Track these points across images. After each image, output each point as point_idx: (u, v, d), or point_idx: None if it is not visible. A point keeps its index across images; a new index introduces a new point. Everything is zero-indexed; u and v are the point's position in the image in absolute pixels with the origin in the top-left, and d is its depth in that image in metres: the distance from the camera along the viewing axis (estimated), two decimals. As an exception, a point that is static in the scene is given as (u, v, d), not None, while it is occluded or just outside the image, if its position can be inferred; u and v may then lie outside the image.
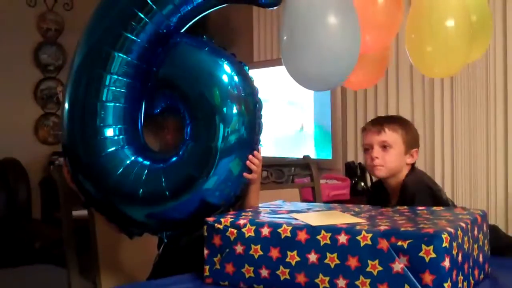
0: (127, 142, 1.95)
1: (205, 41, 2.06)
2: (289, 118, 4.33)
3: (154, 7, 1.91)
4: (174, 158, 1.95)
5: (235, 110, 1.91)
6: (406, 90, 3.73)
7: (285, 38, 2.36)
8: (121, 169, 1.91)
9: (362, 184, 3.78)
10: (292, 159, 4.05)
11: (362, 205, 2.01)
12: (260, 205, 2.09)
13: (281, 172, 3.06)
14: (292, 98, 4.22)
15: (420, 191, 2.16)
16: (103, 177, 1.92)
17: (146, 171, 1.92)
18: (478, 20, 2.54)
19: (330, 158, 3.99)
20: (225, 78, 1.94)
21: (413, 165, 2.30)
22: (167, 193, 1.90)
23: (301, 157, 3.45)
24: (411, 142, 2.28)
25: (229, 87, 1.93)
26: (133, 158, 1.94)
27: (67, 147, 1.99)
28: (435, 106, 3.56)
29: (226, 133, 1.89)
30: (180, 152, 1.94)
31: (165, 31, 1.96)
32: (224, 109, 1.90)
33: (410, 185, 2.19)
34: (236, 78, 1.95)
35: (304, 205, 2.04)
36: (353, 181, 3.79)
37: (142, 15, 1.90)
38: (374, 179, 3.79)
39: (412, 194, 2.13)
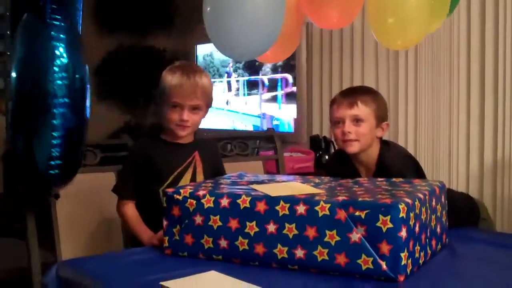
0: None
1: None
2: (254, 91, 4.30)
3: None
4: None
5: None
6: (371, 62, 3.74)
7: (208, 9, 2.34)
8: None
9: (326, 157, 3.79)
10: (256, 132, 4.05)
11: (323, 177, 2.01)
12: (221, 176, 2.09)
13: (245, 145, 3.06)
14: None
15: (408, 167, 2.12)
16: None
17: None
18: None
19: (295, 131, 3.99)
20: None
21: (381, 138, 2.26)
22: None
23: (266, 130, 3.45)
24: (382, 115, 2.23)
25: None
26: None
27: None
28: (400, 77, 3.57)
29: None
30: None
31: None
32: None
33: (395, 162, 2.14)
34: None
35: (264, 177, 2.04)
36: (318, 154, 3.80)
37: None
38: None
39: (399, 171, 2.05)
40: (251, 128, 3.77)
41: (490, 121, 3.16)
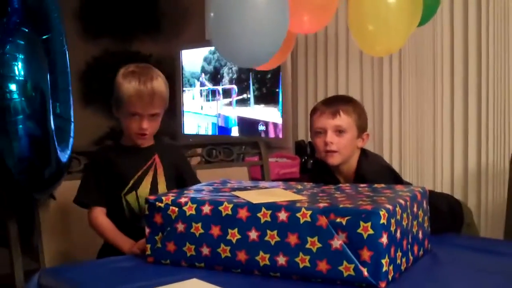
0: None
1: None
2: (238, 96, 4.32)
3: None
4: None
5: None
6: (355, 67, 3.75)
7: (212, 14, 2.34)
8: None
9: (312, 162, 3.79)
10: (241, 138, 4.06)
11: (306, 183, 2.01)
12: (203, 183, 2.08)
13: (230, 150, 3.06)
14: (241, 76, 4.26)
15: (383, 177, 2.10)
16: None
17: None
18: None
19: (281, 137, 3.99)
20: None
21: (361, 148, 2.25)
22: None
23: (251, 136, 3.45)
24: (363, 125, 2.22)
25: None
26: None
27: None
28: (384, 82, 3.58)
29: None
30: None
31: None
32: None
33: (370, 172, 2.14)
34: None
35: (248, 183, 2.04)
36: (303, 160, 3.80)
37: None
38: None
39: (374, 181, 2.02)
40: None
41: (473, 127, 3.17)
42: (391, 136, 3.56)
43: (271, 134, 3.92)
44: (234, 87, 3.88)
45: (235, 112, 3.92)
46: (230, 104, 3.90)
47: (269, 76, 3.75)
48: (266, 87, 3.74)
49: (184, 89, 4.84)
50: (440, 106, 3.31)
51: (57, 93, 2.19)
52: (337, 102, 2.22)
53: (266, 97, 3.77)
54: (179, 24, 5.28)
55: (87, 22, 5.19)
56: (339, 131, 2.16)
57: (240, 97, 3.81)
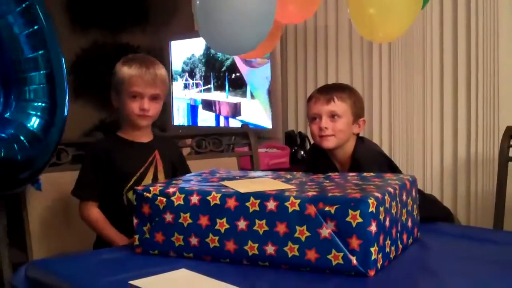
0: None
1: None
2: (229, 87, 4.32)
3: None
4: None
5: None
6: (345, 57, 3.74)
7: (198, 2, 2.32)
8: None
9: (302, 152, 3.78)
10: (230, 128, 4.06)
11: (295, 172, 2.00)
12: (192, 173, 2.07)
13: (219, 141, 3.04)
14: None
15: (378, 163, 2.13)
16: None
17: None
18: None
19: (271, 127, 3.98)
20: None
21: (358, 134, 2.27)
22: None
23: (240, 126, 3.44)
24: (359, 112, 2.23)
25: None
26: None
27: None
28: (374, 73, 3.57)
29: None
30: None
31: None
32: None
33: (365, 157, 2.15)
34: None
35: (237, 173, 2.03)
36: (293, 150, 3.80)
37: None
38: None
39: (368, 166, 2.05)
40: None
41: (463, 116, 3.16)
42: (381, 126, 3.55)
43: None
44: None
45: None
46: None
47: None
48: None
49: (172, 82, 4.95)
50: (429, 96, 3.30)
51: (54, 86, 2.14)
52: (332, 89, 2.24)
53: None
54: (168, 15, 5.26)
55: (76, 14, 5.14)
56: (334, 116, 2.17)
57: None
